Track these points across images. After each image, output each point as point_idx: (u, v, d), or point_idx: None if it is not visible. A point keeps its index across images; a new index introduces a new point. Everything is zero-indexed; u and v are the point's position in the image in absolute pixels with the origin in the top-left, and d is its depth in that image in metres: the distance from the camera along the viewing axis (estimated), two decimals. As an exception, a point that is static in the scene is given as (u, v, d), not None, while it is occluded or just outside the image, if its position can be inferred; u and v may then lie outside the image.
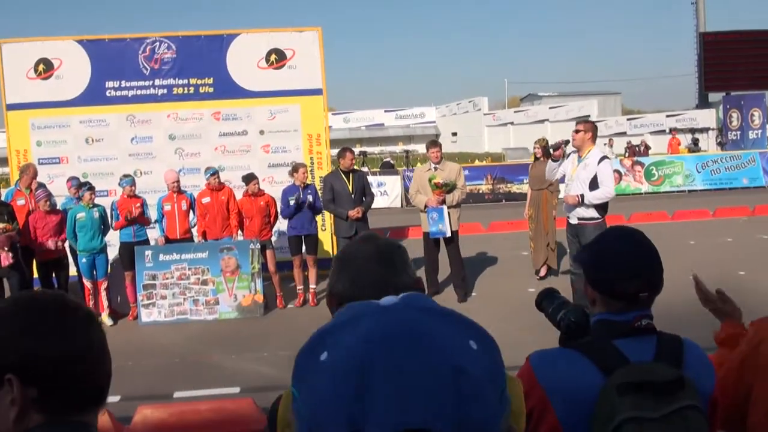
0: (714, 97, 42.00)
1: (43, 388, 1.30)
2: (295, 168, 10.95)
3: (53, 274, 10.55)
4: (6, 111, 12.64)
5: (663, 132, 47.65)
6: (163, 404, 6.88)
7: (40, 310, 1.37)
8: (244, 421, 6.26)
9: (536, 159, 12.22)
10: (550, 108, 60.09)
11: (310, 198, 10.68)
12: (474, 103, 67.19)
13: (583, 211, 8.76)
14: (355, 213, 10.45)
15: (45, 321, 1.35)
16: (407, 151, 36.91)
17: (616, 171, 25.98)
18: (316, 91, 12.78)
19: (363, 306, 1.24)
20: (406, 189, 25.29)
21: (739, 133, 37.36)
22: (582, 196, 8.64)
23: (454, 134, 67.00)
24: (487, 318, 9.41)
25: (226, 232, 10.84)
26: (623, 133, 48.41)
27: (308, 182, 10.98)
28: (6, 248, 9.61)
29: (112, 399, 7.35)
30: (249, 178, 10.84)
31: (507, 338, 8.25)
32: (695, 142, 36.64)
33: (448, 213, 10.44)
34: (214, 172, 10.86)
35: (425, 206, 10.52)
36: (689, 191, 25.84)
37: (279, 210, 10.93)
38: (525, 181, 25.25)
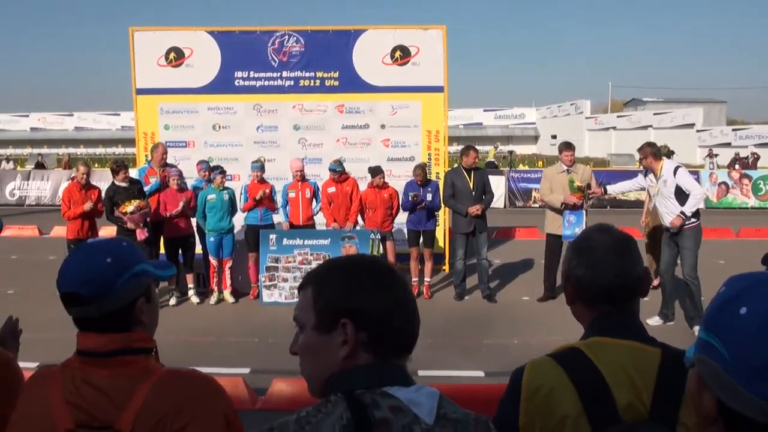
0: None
1: (371, 333, 1.54)
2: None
3: (179, 251, 11.07)
4: (136, 95, 13.25)
5: (768, 145, 46.39)
6: (298, 379, 7.22)
7: (370, 267, 1.63)
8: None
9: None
10: (654, 114, 59.07)
11: (429, 197, 10.94)
12: (576, 106, 66.48)
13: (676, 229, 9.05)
14: (474, 210, 10.64)
15: (374, 276, 1.60)
16: (511, 152, 36.69)
17: (723, 183, 25.47)
18: (438, 89, 13.00)
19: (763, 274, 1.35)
20: (509, 190, 25.33)
21: None
22: (683, 212, 8.89)
23: (554, 137, 66.22)
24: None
25: (350, 220, 11.20)
26: (728, 144, 47.22)
27: (430, 179, 11.25)
28: (141, 224, 10.17)
29: (242, 370, 7.77)
30: (376, 171, 11.15)
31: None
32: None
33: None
34: (333, 169, 11.21)
35: (562, 205, 10.48)
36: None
37: (401, 203, 11.21)
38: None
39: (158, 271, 2.04)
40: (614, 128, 61.79)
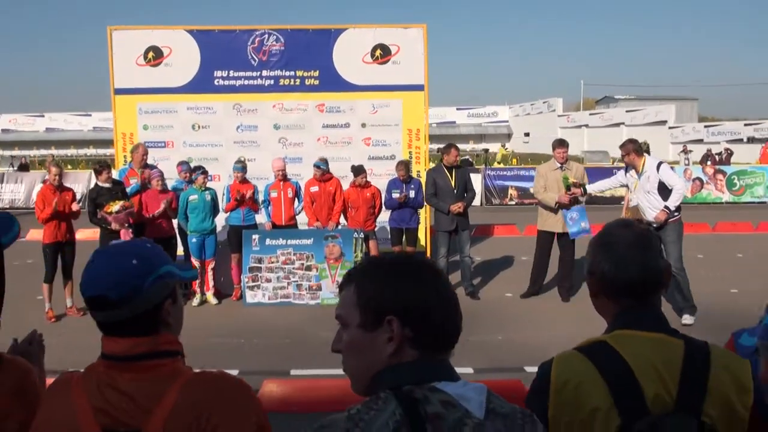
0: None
1: (417, 329, 1.55)
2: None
3: (162, 253, 10.96)
4: (114, 95, 13.14)
5: (741, 141, 46.85)
6: (289, 380, 7.21)
7: (412, 264, 1.63)
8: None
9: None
10: (626, 111, 59.50)
11: (412, 194, 10.96)
12: (548, 104, 66.80)
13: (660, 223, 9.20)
14: (456, 208, 10.67)
15: (417, 273, 1.60)
16: (486, 150, 36.83)
17: (698, 179, 25.72)
18: (418, 87, 13.03)
19: None
20: (485, 187, 25.40)
21: (820, 144, 36.59)
22: (667, 207, 9.10)
23: (527, 134, 66.70)
24: (592, 319, 9.54)
25: (333, 220, 11.20)
26: (700, 141, 47.70)
27: (412, 176, 11.28)
28: (126, 225, 10.08)
29: (230, 372, 7.72)
30: (358, 170, 11.15)
31: (582, 338, 8.46)
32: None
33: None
34: (318, 165, 11.18)
35: (556, 204, 10.52)
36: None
37: (383, 201, 11.21)
38: (606, 185, 25.19)
39: (182, 272, 2.02)
40: (587, 126, 62.13)
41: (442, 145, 11.60)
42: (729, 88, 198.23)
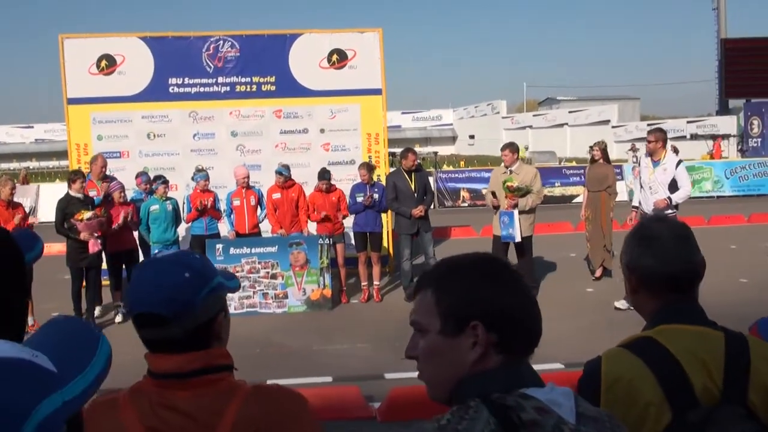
0: (734, 103, 42.12)
1: (501, 333, 1.49)
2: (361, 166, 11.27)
3: (123, 266, 10.76)
4: (67, 105, 12.85)
5: (684, 138, 47.67)
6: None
7: (491, 265, 1.57)
8: (350, 408, 6.50)
9: (594, 161, 12.39)
10: (569, 112, 60.18)
11: (376, 196, 10.93)
12: (492, 106, 67.29)
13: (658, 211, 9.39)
14: (418, 212, 10.70)
15: (497, 274, 1.54)
16: (436, 153, 37.01)
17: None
18: (376, 91, 13.01)
19: None
20: (438, 190, 25.48)
21: (760, 140, 37.51)
22: (670, 198, 9.38)
23: (472, 137, 67.10)
24: (550, 319, 9.59)
25: (295, 227, 11.11)
26: (643, 139, 48.09)
27: (374, 180, 11.26)
28: (96, 234, 9.83)
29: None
30: (322, 174, 11.08)
31: (572, 338, 8.51)
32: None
33: (519, 218, 10.37)
34: (281, 173, 11.06)
35: (494, 208, 10.58)
36: (718, 197, 25.97)
37: (347, 206, 11.16)
38: (556, 185, 25.54)
39: (229, 282, 1.94)
40: (530, 127, 62.67)
41: (392, 150, 11.61)
42: (670, 87, 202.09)
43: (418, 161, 12.12)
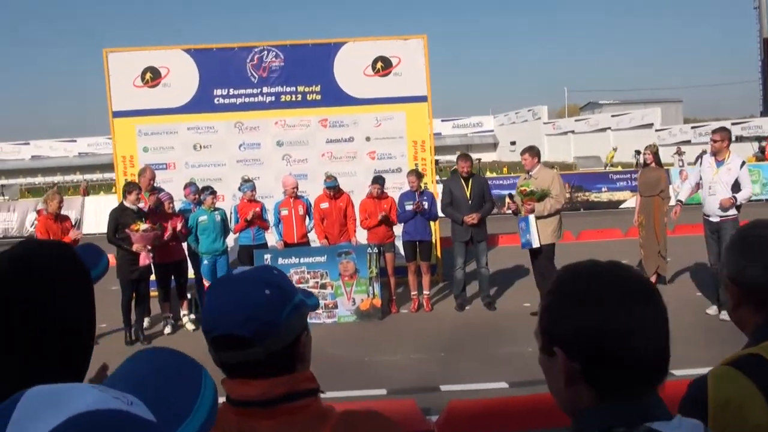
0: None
1: (586, 363, 1.34)
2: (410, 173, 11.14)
3: (171, 277, 10.74)
4: (112, 118, 12.90)
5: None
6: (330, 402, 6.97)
7: (602, 280, 1.39)
8: (407, 422, 6.34)
9: (646, 165, 12.13)
10: (612, 116, 59.56)
11: (425, 204, 10.77)
12: (533, 112, 66.91)
13: (723, 210, 9.46)
14: (470, 219, 10.49)
15: (605, 292, 1.36)
16: (479, 160, 36.85)
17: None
18: (421, 98, 12.87)
19: None
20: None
21: (805, 141, 36.86)
22: (734, 197, 9.35)
23: (513, 143, 66.58)
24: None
25: (343, 237, 11.00)
26: (687, 142, 47.68)
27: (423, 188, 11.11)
28: (149, 247, 9.82)
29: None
30: (373, 181, 10.97)
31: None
32: (762, 150, 36.13)
33: (538, 223, 10.06)
34: (331, 186, 10.93)
35: (514, 213, 10.43)
36: (766, 200, 25.41)
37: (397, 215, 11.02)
38: (603, 190, 25.19)
39: (309, 299, 1.79)
40: (572, 132, 62.21)
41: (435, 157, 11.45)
42: (712, 88, 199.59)
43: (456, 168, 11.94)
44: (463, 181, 10.77)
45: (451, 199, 10.77)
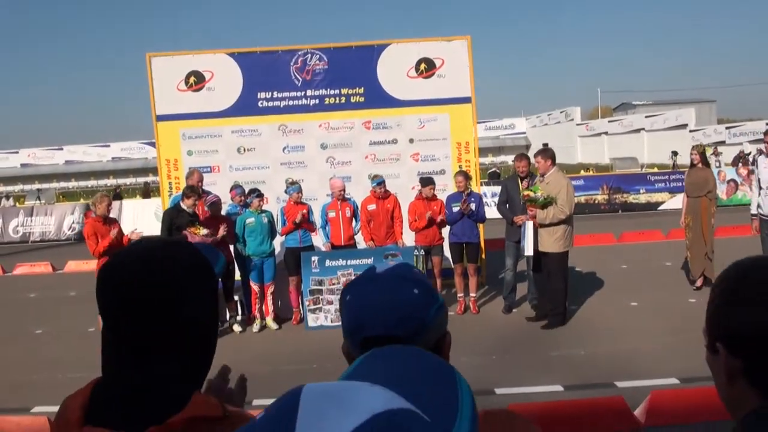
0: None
1: (750, 361, 1.29)
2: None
3: (218, 280, 10.75)
4: (156, 122, 12.97)
5: (762, 140, 46.42)
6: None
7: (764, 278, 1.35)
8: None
9: (693, 166, 11.98)
10: (646, 117, 59.07)
11: (473, 206, 10.72)
12: (566, 113, 66.52)
13: None
14: (518, 220, 10.40)
15: (764, 292, 1.32)
16: (513, 161, 36.75)
17: (732, 180, 25.39)
18: (465, 100, 12.80)
19: None
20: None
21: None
22: None
23: (545, 145, 65.94)
24: (656, 332, 9.36)
25: (390, 238, 10.98)
26: (722, 142, 47.18)
27: (472, 190, 11.08)
28: None
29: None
30: (425, 182, 10.95)
31: (684, 352, 8.16)
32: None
33: (540, 231, 9.88)
34: (380, 182, 10.97)
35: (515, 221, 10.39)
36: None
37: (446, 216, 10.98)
38: (641, 191, 24.97)
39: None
40: (606, 133, 61.84)
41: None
42: (747, 88, 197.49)
43: (494, 170, 11.85)
44: (519, 181, 10.70)
45: (507, 198, 10.71)
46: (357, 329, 1.56)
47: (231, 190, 11.46)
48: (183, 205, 10.20)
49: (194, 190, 10.39)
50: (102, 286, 1.55)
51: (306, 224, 10.87)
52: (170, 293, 1.53)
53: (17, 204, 34.29)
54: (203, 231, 9.76)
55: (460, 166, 12.63)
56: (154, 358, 1.52)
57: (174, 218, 10.04)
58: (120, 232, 10.22)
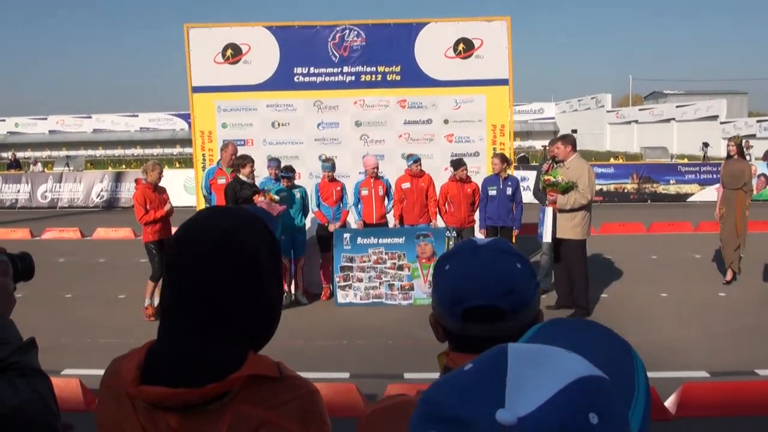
0: None
1: None
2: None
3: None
4: (192, 93, 12.97)
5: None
6: (411, 384, 6.96)
7: None
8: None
9: (729, 157, 11.87)
10: (677, 107, 58.47)
11: (509, 191, 10.68)
12: (597, 100, 65.96)
13: None
14: (551, 203, 10.34)
15: None
16: (545, 146, 36.60)
17: (762, 174, 25.10)
18: (503, 82, 12.66)
19: None
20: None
21: None
22: None
23: (574, 131, 65.76)
24: (685, 324, 9.31)
25: (423, 218, 10.96)
26: (752, 135, 46.57)
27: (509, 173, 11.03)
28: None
29: (340, 375, 7.52)
30: (458, 164, 10.91)
31: (713, 345, 8.12)
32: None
33: (559, 217, 9.76)
34: (417, 160, 10.96)
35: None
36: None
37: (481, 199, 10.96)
38: (671, 182, 24.77)
39: None
40: (636, 122, 61.27)
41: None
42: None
43: (523, 154, 11.82)
44: (556, 165, 10.64)
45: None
46: (459, 300, 1.54)
47: (267, 163, 11.47)
48: (241, 176, 10.21)
49: (248, 158, 10.39)
50: (179, 242, 1.58)
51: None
52: (247, 256, 1.56)
53: (45, 169, 34.54)
54: (277, 197, 9.86)
55: (494, 149, 12.55)
56: (215, 319, 1.53)
57: (237, 191, 10.07)
58: (171, 210, 10.37)
